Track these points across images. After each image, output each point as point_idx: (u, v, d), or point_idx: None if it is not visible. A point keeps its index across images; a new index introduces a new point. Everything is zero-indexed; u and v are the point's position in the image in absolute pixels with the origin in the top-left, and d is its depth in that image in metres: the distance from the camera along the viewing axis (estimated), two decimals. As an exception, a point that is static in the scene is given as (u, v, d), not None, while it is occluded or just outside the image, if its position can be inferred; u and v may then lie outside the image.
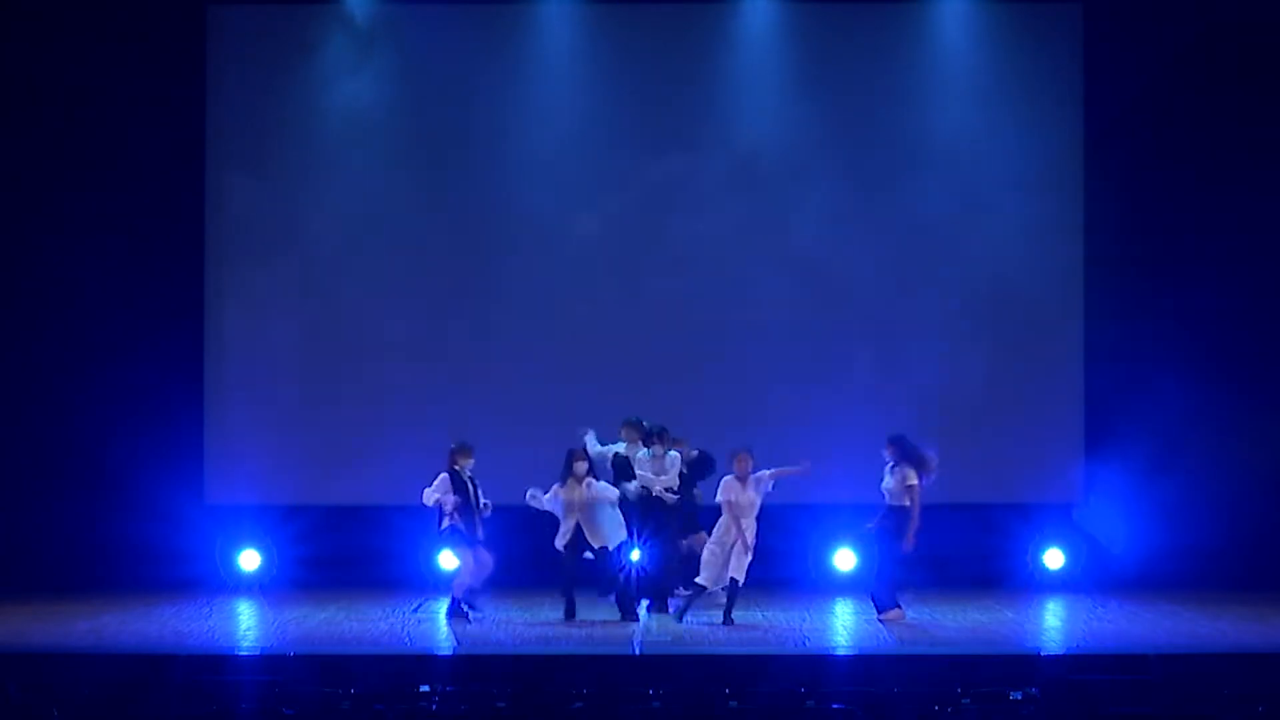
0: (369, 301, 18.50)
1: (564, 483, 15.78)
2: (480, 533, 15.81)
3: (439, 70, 18.49)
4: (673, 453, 16.16)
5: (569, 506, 15.77)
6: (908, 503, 15.54)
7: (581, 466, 15.78)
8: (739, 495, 15.37)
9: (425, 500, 15.79)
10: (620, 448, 16.42)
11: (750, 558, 15.35)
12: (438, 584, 17.83)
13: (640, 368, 18.34)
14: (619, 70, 18.59)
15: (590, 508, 15.76)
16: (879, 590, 15.79)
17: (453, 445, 15.86)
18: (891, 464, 15.69)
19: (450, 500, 15.70)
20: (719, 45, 18.54)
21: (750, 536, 15.31)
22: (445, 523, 15.81)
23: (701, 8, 18.60)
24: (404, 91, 18.55)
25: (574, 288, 18.48)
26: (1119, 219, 18.37)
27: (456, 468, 15.80)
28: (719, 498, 15.48)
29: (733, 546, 15.34)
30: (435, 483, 15.78)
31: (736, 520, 15.31)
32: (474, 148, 18.53)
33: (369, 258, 18.53)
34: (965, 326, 18.46)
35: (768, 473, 15.44)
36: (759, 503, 15.40)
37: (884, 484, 15.66)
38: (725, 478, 15.53)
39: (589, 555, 15.79)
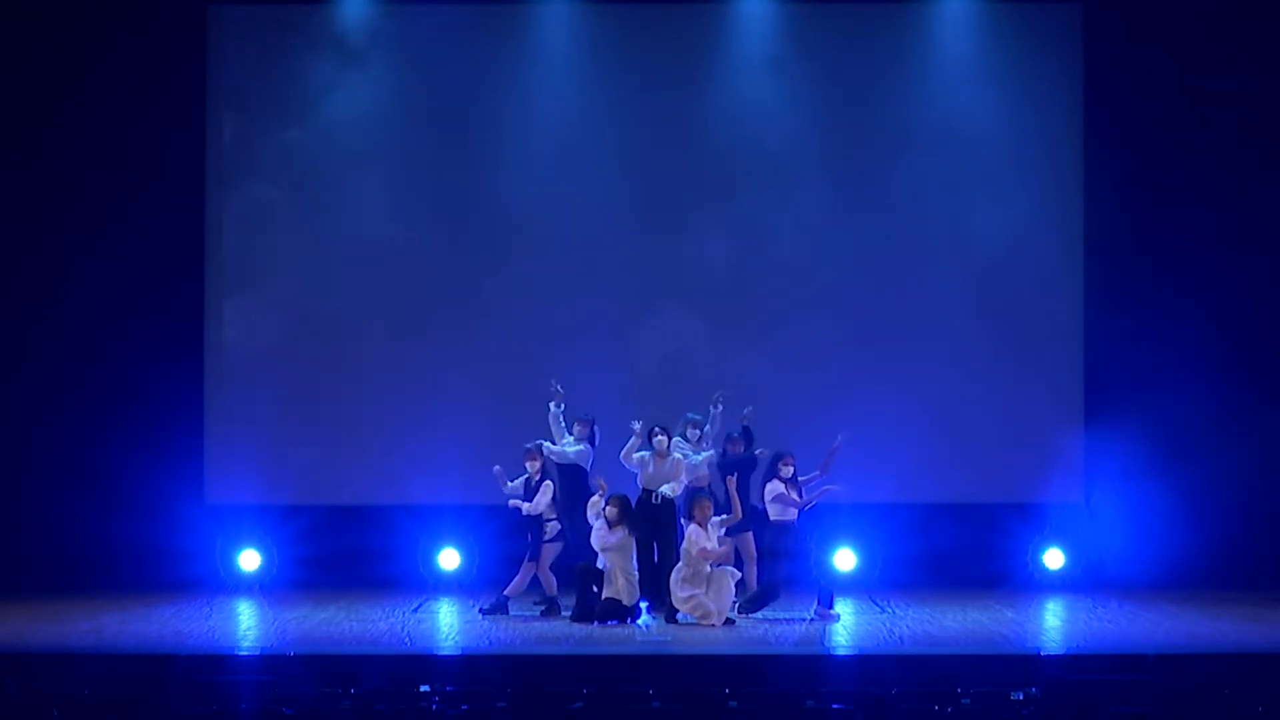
0: (369, 300, 18.50)
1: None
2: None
3: (439, 69, 18.49)
4: (675, 454, 16.13)
5: (602, 547, 15.72)
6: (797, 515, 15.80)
7: (613, 512, 15.63)
8: (705, 542, 15.45)
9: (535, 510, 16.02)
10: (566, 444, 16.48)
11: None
12: (438, 584, 17.87)
13: (639, 367, 18.34)
14: (619, 69, 18.57)
15: (614, 554, 15.65)
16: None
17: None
18: (789, 479, 15.70)
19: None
20: (719, 44, 18.54)
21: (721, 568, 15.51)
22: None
23: (701, 7, 18.60)
24: (404, 91, 18.54)
25: (574, 288, 18.47)
26: (1119, 219, 18.36)
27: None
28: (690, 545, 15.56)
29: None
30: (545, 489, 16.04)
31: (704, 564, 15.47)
32: (474, 147, 18.52)
33: (369, 257, 18.51)
34: (965, 326, 18.45)
35: (718, 522, 15.58)
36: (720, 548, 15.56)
37: (786, 502, 15.66)
38: (692, 527, 15.55)
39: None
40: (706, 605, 15.31)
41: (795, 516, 15.70)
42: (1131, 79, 18.41)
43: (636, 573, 15.64)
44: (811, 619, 15.55)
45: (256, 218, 18.53)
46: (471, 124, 18.51)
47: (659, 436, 16.05)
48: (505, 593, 16.10)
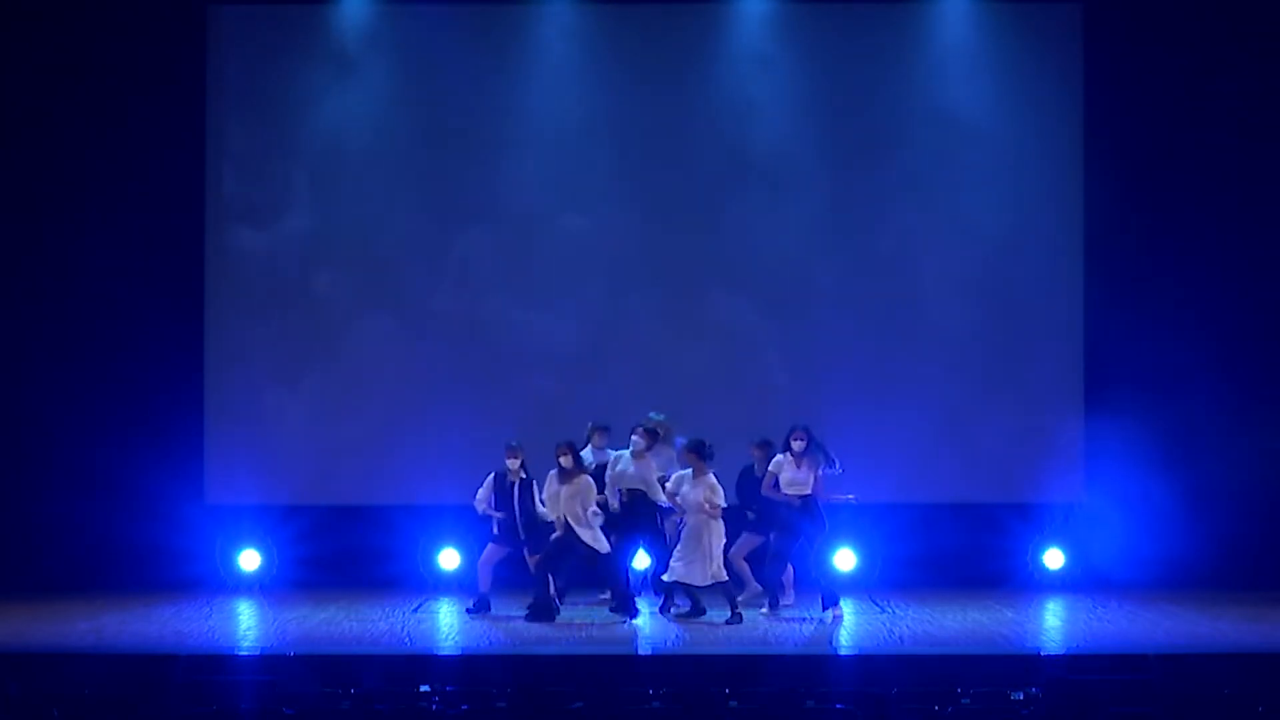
0: (369, 300, 18.49)
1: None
2: (522, 534, 15.97)
3: (439, 70, 18.47)
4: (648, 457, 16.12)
5: (552, 501, 15.71)
6: (809, 491, 15.56)
7: (567, 460, 15.64)
8: (688, 492, 15.56)
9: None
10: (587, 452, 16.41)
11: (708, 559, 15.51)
12: (438, 584, 17.87)
13: (637, 367, 18.33)
14: (618, 69, 18.56)
15: (572, 503, 15.64)
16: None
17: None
18: (800, 454, 15.62)
19: (481, 502, 16.00)
20: (718, 44, 18.52)
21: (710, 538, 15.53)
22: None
23: (700, 7, 18.60)
24: (404, 91, 18.53)
25: (574, 288, 18.46)
26: (1119, 217, 18.36)
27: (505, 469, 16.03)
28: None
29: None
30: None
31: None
32: (473, 147, 18.51)
33: (368, 257, 18.52)
34: (965, 325, 18.45)
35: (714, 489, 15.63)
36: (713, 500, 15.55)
37: (791, 475, 15.57)
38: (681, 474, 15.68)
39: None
40: (677, 562, 15.38)
41: (807, 492, 15.56)
42: (1131, 78, 18.40)
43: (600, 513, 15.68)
44: (815, 619, 15.55)
45: (256, 217, 18.52)
46: (470, 123, 18.49)
47: (636, 438, 16.02)
48: (481, 590, 16.10)
